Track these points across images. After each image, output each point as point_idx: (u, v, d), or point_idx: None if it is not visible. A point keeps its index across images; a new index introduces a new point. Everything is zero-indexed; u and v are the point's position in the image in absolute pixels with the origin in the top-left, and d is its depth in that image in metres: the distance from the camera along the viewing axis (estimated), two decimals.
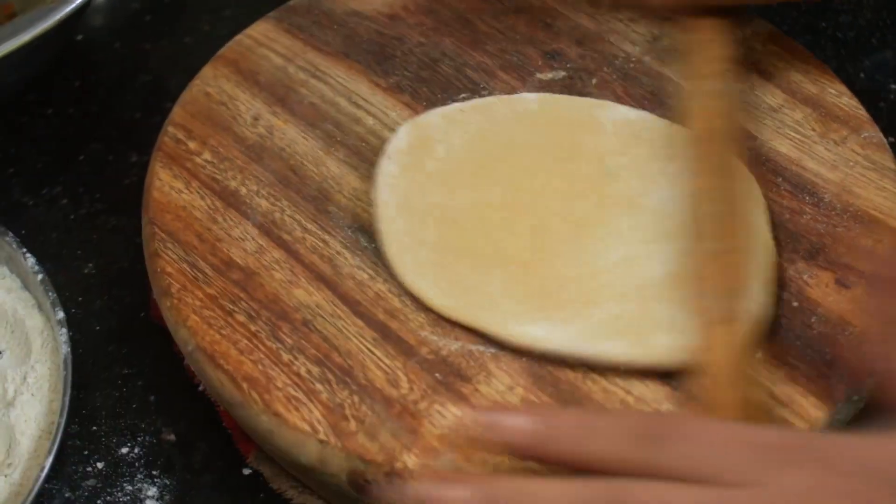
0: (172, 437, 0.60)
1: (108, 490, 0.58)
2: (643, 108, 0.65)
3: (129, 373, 0.63)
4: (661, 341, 0.54)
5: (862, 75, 0.77)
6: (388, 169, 0.61)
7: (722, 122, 0.61)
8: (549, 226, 0.59)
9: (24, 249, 0.62)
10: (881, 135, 0.64)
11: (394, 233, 0.58)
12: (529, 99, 0.65)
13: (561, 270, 0.57)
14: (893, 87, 0.77)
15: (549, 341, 0.54)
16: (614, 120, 0.63)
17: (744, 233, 0.57)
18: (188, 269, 0.58)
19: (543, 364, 0.54)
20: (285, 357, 0.54)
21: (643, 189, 0.60)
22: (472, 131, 0.63)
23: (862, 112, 0.65)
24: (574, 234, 0.58)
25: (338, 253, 0.58)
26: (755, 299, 0.55)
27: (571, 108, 0.65)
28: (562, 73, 0.67)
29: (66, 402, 0.56)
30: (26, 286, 0.63)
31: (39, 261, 0.62)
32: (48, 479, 0.55)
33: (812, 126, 0.64)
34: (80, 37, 0.81)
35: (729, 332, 0.53)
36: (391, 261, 0.57)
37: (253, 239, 0.59)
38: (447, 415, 0.52)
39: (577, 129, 0.63)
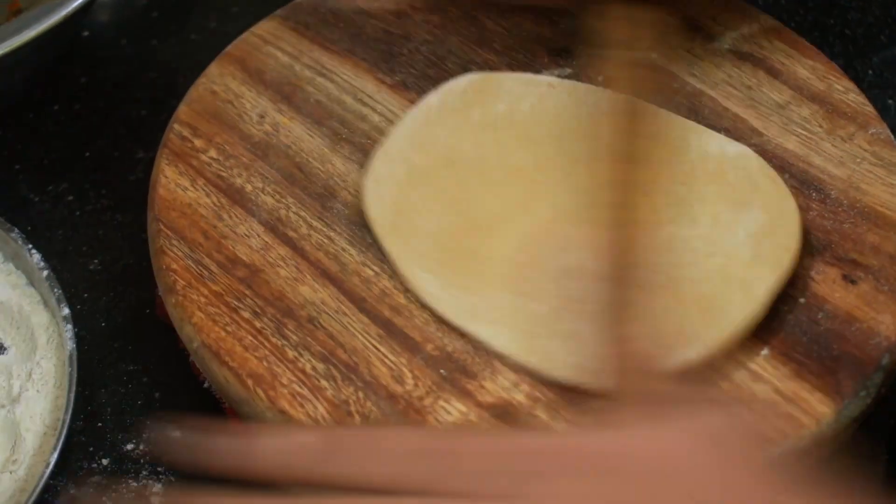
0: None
1: (113, 486, 0.58)
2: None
3: (134, 369, 0.63)
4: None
5: (870, 72, 0.77)
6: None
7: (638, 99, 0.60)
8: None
9: (30, 246, 0.62)
10: (888, 131, 0.63)
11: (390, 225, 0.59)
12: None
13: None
14: None
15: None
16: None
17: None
18: (193, 266, 0.58)
19: None
20: (290, 354, 0.54)
21: None
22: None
23: (869, 108, 0.64)
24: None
25: (343, 250, 0.58)
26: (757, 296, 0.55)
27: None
28: (568, 71, 0.67)
29: (72, 399, 0.56)
30: (32, 282, 0.63)
31: (45, 257, 0.62)
32: (53, 475, 0.55)
33: (819, 123, 0.64)
34: (86, 33, 0.81)
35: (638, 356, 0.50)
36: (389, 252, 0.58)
37: (258, 236, 0.59)
38: (452, 411, 0.52)
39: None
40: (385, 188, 0.60)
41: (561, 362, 0.53)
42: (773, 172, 0.60)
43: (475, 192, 0.61)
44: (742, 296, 0.55)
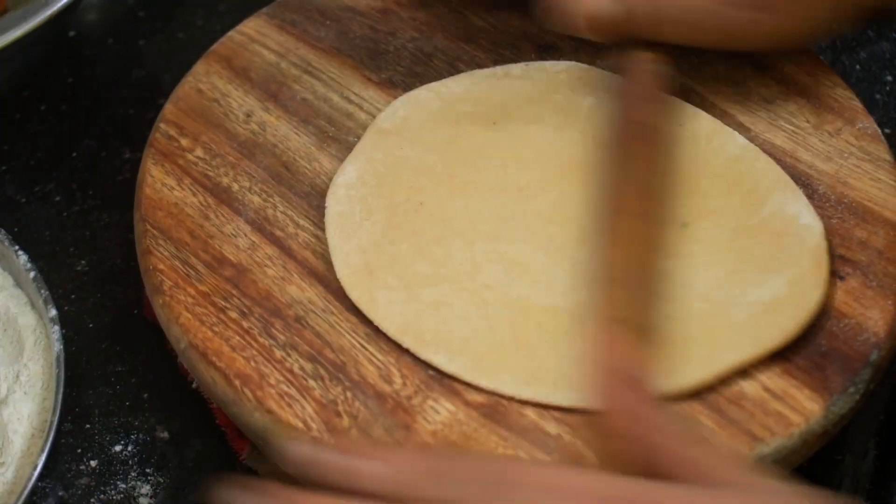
0: (166, 434, 0.60)
1: (102, 488, 0.58)
2: None
3: (122, 370, 0.63)
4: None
5: (858, 67, 0.77)
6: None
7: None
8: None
9: (17, 247, 0.62)
10: (876, 126, 0.63)
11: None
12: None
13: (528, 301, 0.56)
14: (889, 78, 0.76)
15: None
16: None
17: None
18: (180, 265, 0.57)
19: None
20: (278, 354, 0.54)
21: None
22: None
23: (856, 103, 0.64)
24: (543, 259, 0.57)
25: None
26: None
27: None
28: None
29: (59, 400, 0.56)
30: (18, 284, 0.63)
31: (32, 258, 0.61)
32: (41, 477, 0.54)
33: (806, 117, 0.64)
34: (73, 33, 0.80)
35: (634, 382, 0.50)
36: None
37: (245, 235, 0.59)
38: (441, 410, 0.52)
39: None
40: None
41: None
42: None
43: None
44: (736, 342, 0.54)
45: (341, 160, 0.62)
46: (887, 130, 0.70)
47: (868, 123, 0.63)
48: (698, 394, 0.52)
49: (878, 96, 0.75)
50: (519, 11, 0.69)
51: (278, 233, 0.59)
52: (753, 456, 0.50)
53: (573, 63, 0.66)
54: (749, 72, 0.66)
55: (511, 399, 0.52)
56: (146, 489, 0.58)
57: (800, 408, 0.52)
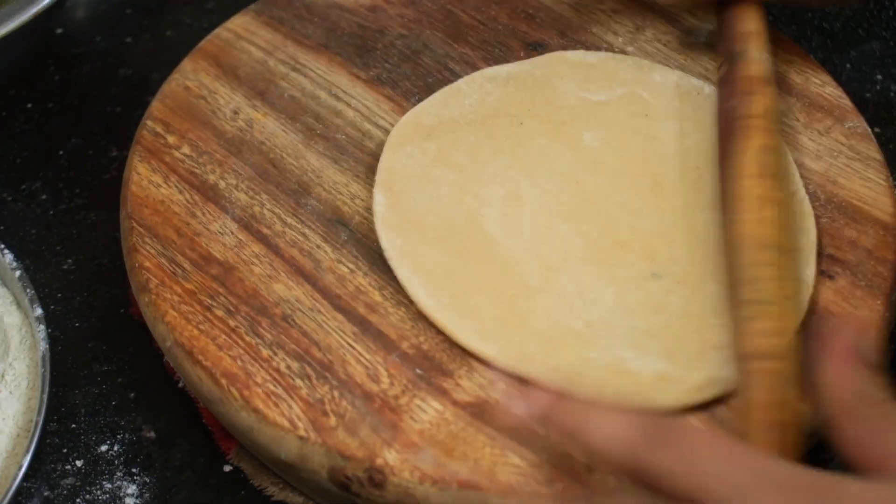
0: (152, 434, 0.60)
1: (88, 488, 0.58)
2: None
3: (108, 370, 0.62)
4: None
5: (848, 66, 0.77)
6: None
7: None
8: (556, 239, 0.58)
9: (2, 245, 0.61)
10: (866, 125, 0.63)
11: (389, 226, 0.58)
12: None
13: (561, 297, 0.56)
14: (879, 77, 0.76)
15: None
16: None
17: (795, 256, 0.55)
18: (167, 263, 0.57)
19: None
20: (265, 352, 0.54)
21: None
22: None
23: (846, 102, 0.64)
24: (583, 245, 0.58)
25: (318, 247, 0.58)
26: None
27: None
28: None
29: (45, 400, 0.56)
30: (4, 282, 0.62)
31: (18, 257, 0.61)
32: (26, 477, 0.54)
33: (796, 116, 0.63)
34: (60, 30, 0.80)
35: (772, 368, 0.50)
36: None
37: (232, 233, 0.59)
38: (428, 409, 0.52)
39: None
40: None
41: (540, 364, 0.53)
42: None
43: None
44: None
45: (329, 157, 0.62)
46: (877, 129, 0.70)
47: (858, 122, 0.63)
48: None
49: (867, 95, 0.75)
50: (508, 9, 0.69)
51: (265, 231, 0.59)
52: None
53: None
54: None
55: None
56: (132, 489, 0.58)
57: None
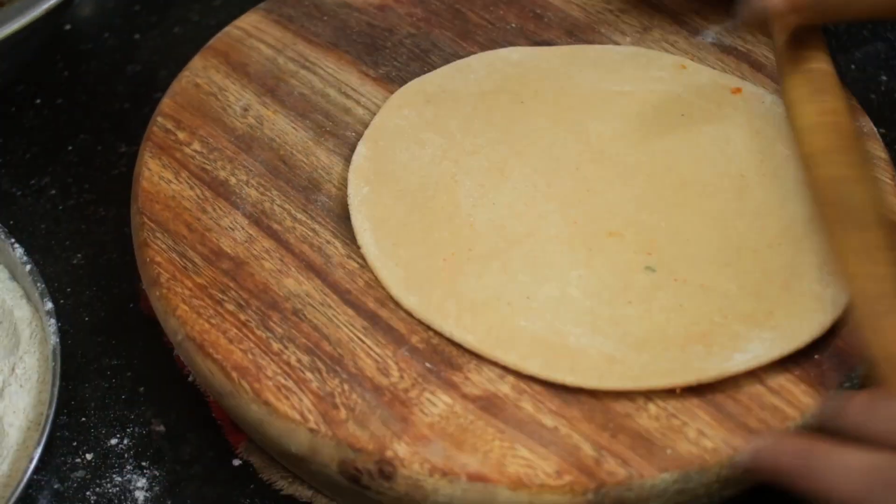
0: (162, 428, 0.60)
1: (97, 481, 0.58)
2: None
3: (118, 364, 0.62)
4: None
5: (853, 67, 0.77)
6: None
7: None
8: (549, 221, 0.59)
9: (13, 240, 0.62)
10: (871, 125, 0.64)
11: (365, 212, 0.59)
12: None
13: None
14: (884, 78, 0.76)
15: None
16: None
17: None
18: (177, 258, 0.57)
19: None
20: (275, 346, 0.54)
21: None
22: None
23: (852, 102, 0.64)
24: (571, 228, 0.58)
25: (328, 242, 0.58)
26: None
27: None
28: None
29: (55, 394, 0.56)
30: (14, 277, 0.63)
31: (28, 251, 0.61)
32: (37, 470, 0.54)
33: None
34: (68, 27, 0.80)
35: None
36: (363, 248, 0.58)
37: (242, 228, 0.59)
38: (438, 403, 0.52)
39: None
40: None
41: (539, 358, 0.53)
42: None
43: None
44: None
45: (338, 154, 0.62)
46: (883, 130, 0.70)
47: (864, 122, 0.64)
48: (697, 388, 0.52)
49: (872, 96, 0.75)
50: (516, 8, 0.70)
51: (275, 226, 0.59)
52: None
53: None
54: (746, 70, 0.66)
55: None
56: (142, 482, 0.58)
57: (796, 402, 0.52)
